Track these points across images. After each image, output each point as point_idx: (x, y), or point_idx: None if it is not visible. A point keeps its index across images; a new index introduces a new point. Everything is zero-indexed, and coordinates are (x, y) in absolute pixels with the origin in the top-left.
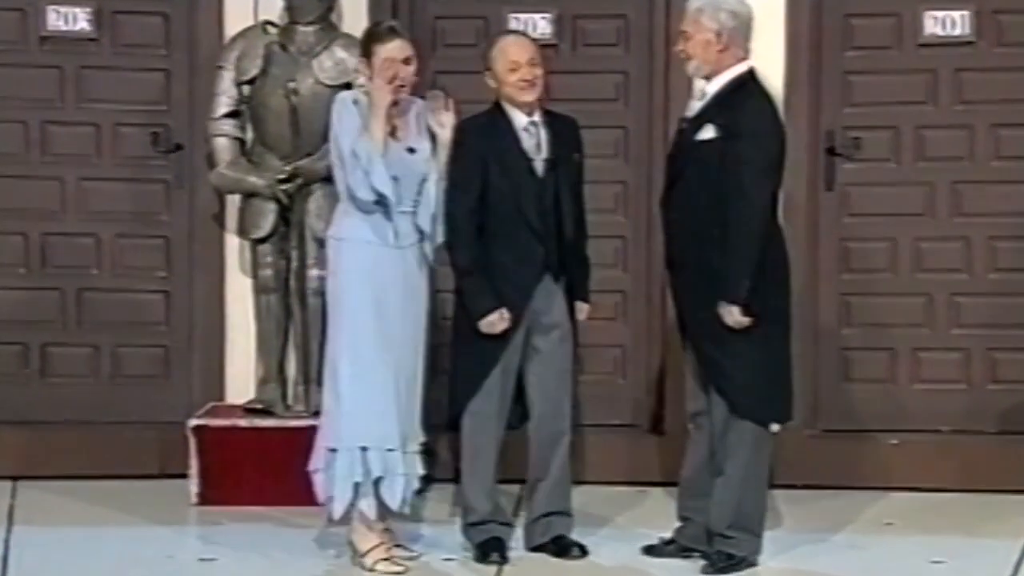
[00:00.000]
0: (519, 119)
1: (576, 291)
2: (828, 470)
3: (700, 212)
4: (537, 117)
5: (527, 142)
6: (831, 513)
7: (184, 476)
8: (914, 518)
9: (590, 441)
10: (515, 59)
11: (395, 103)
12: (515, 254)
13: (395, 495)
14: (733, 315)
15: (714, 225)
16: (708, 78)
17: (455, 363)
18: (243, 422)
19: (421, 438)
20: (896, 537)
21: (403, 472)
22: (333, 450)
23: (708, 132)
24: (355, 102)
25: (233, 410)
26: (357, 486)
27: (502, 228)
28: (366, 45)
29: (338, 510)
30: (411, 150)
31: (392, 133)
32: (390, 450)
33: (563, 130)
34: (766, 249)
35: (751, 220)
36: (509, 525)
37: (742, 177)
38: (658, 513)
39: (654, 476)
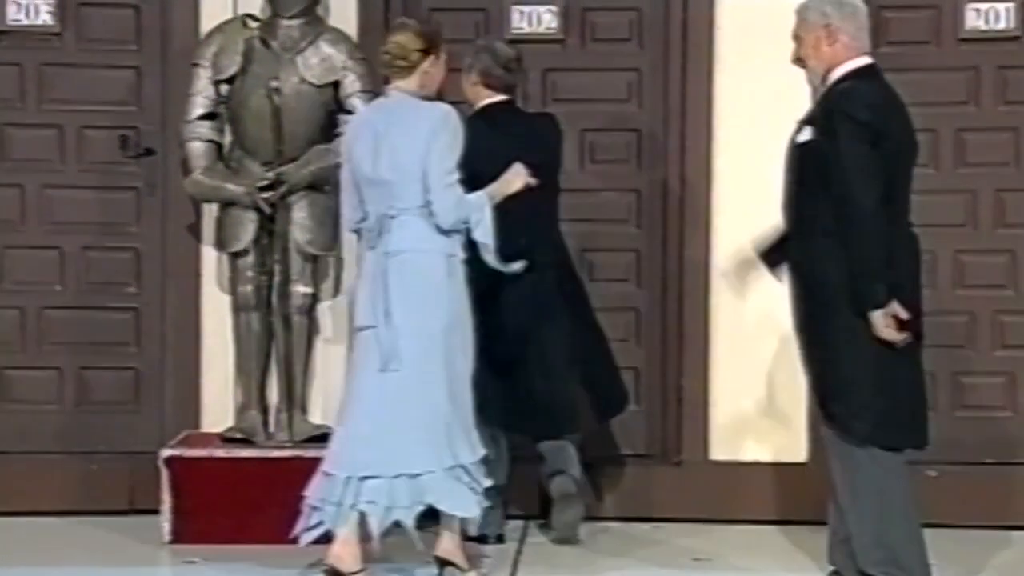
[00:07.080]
0: None
1: None
2: None
3: (802, 219)
4: None
5: None
6: None
7: (156, 512)
8: (955, 558)
9: (600, 472)
10: None
11: None
12: None
13: (376, 525)
14: (879, 324)
15: (815, 233)
16: (824, 78)
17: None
18: (220, 452)
19: (450, 461)
20: None
21: (386, 502)
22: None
23: (805, 134)
24: None
25: (209, 439)
26: (336, 513)
27: None
28: (435, 41)
29: (306, 537)
30: None
31: None
32: (372, 477)
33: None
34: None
35: (861, 225)
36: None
37: (843, 181)
38: (674, 551)
39: (669, 511)
